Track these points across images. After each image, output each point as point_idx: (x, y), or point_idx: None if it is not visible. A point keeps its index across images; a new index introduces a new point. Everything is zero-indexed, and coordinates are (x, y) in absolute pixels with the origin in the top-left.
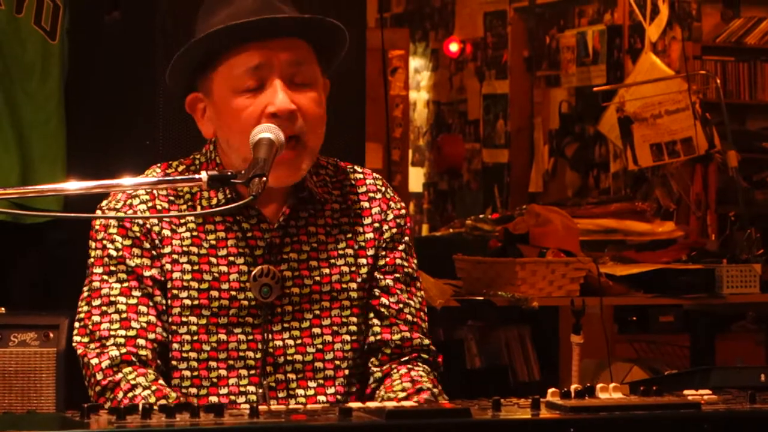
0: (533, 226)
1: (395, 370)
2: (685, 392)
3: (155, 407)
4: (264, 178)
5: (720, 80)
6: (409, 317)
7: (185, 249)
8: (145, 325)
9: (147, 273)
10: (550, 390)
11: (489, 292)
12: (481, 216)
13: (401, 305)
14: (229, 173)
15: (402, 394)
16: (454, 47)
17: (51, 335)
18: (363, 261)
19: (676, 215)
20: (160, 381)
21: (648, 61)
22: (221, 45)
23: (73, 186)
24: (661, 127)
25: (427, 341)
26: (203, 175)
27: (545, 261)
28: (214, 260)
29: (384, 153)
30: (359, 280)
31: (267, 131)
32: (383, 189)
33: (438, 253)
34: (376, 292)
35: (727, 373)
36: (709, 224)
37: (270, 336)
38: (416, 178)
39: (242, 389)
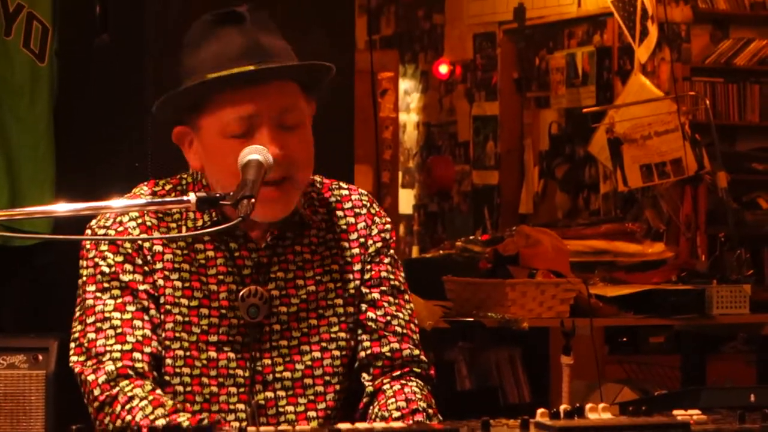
0: (523, 248)
1: (388, 386)
2: (675, 412)
3: (144, 430)
4: (253, 200)
5: (709, 101)
6: (398, 329)
7: (176, 266)
8: (140, 338)
9: (141, 287)
10: (540, 410)
11: (479, 313)
12: (471, 237)
13: (389, 317)
14: (218, 195)
15: (396, 414)
16: (443, 69)
17: (40, 358)
18: (350, 276)
19: (666, 236)
20: (158, 391)
21: (637, 82)
22: (210, 91)
23: (63, 208)
24: (650, 148)
25: (417, 351)
26: (191, 197)
27: (535, 282)
28: (204, 279)
29: (374, 175)
30: (346, 295)
31: (255, 153)
32: (368, 204)
33: (428, 274)
34: (363, 306)
35: (716, 394)
36: (699, 245)
37: (258, 355)
38: (406, 200)
39: (232, 407)
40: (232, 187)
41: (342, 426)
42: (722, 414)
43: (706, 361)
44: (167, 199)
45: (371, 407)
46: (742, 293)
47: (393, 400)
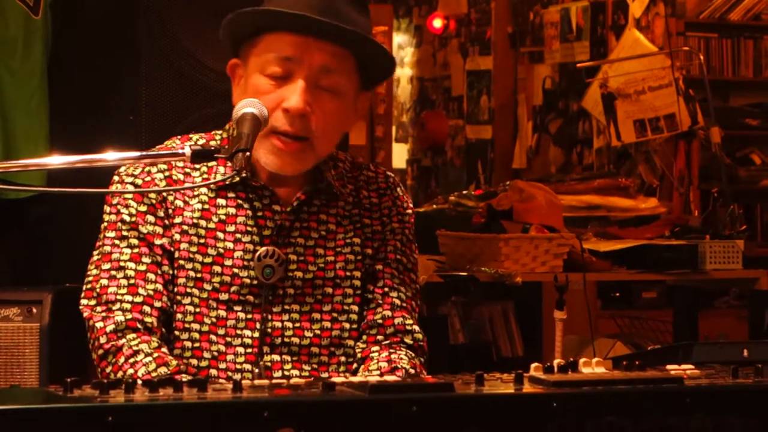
0: (517, 202)
1: (376, 353)
2: (668, 367)
3: (139, 382)
4: (247, 153)
5: (703, 57)
6: (397, 301)
7: (195, 221)
8: (152, 292)
9: (158, 241)
10: (534, 365)
11: (472, 267)
12: (464, 192)
13: (387, 289)
14: (213, 148)
15: (375, 373)
16: (437, 23)
17: (34, 310)
18: (369, 251)
19: (659, 191)
20: (163, 349)
21: (631, 37)
22: (261, 26)
23: (56, 161)
24: (644, 103)
25: (410, 322)
26: (186, 150)
27: (529, 237)
28: (221, 235)
29: (368, 129)
30: (364, 269)
31: (250, 106)
32: (393, 186)
33: (421, 228)
34: (367, 279)
35: (709, 349)
36: (692, 200)
37: (269, 317)
38: (400, 155)
39: (239, 367)
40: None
41: (336, 379)
42: (715, 369)
43: (699, 316)
44: (162, 152)
45: (357, 373)
46: (735, 248)
47: (376, 362)
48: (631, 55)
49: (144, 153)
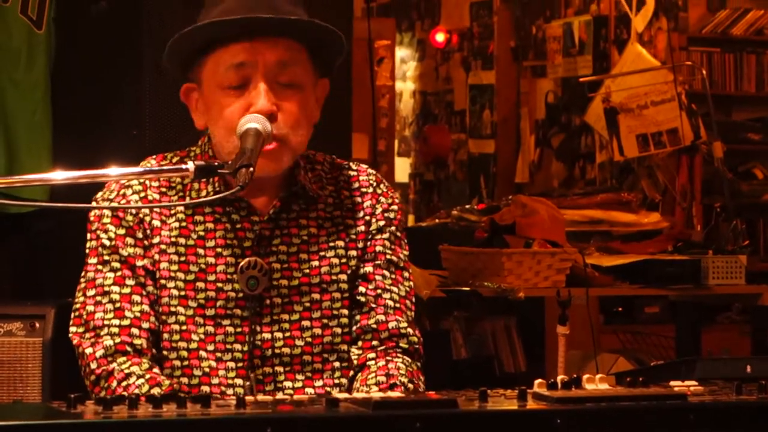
0: (519, 217)
1: (373, 362)
2: (671, 383)
3: (142, 398)
4: (251, 169)
5: (706, 71)
6: (390, 302)
7: (173, 240)
8: (138, 314)
9: (140, 263)
10: (537, 381)
11: (475, 282)
12: (467, 206)
13: (380, 291)
14: (216, 163)
15: (374, 388)
16: (440, 37)
17: (37, 325)
18: (353, 253)
19: (662, 206)
20: (155, 370)
21: (634, 51)
22: (208, 40)
23: (60, 176)
24: (647, 117)
25: (405, 325)
26: (190, 165)
27: (531, 252)
28: (201, 251)
29: (370, 143)
30: (350, 272)
31: (254, 121)
32: (375, 184)
33: (424, 243)
34: (357, 281)
35: (713, 364)
36: (695, 215)
37: (258, 329)
38: (402, 169)
39: (230, 381)
40: (229, 144)
41: (339, 395)
42: (719, 385)
43: (701, 331)
44: (165, 167)
45: (354, 382)
46: (738, 264)
47: (373, 374)
48: (633, 70)
49: (147, 168)
